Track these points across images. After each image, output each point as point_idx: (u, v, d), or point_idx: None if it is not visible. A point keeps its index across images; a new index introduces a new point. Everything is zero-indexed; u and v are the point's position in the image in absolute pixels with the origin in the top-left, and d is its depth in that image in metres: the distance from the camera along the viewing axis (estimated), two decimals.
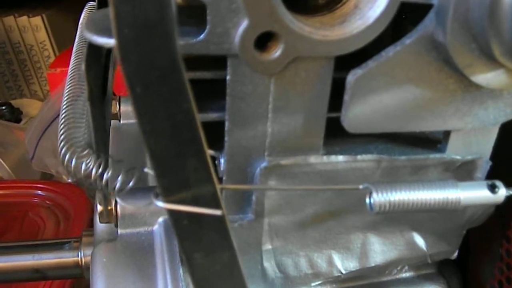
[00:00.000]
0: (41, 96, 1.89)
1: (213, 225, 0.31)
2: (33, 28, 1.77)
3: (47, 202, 1.17)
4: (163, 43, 0.24)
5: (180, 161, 0.28)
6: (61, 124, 0.38)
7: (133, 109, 0.26)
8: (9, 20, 1.76)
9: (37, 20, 1.76)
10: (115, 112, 0.69)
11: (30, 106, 1.75)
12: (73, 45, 0.50)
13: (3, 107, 1.65)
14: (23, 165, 1.31)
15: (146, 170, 0.33)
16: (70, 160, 0.34)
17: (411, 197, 0.35)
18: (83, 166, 0.34)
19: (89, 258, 0.53)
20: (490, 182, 0.38)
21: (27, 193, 1.19)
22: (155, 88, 0.25)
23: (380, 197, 0.35)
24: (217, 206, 0.30)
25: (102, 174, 0.34)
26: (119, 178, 0.35)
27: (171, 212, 0.30)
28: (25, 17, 1.76)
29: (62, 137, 0.36)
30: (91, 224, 0.60)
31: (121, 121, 0.69)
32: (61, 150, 0.35)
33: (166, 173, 0.28)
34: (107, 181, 0.35)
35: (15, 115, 1.66)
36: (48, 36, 1.79)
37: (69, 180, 1.24)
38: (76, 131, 0.37)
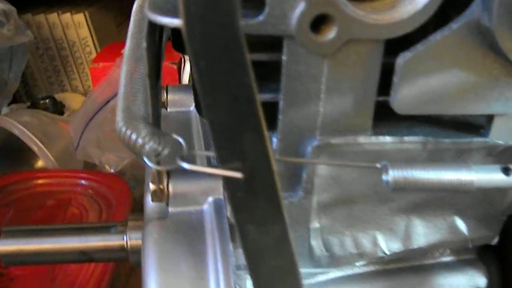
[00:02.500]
0: (83, 91, 1.92)
1: (267, 199, 0.32)
2: (76, 25, 1.81)
3: (90, 191, 1.20)
4: (227, 20, 0.26)
5: (238, 133, 0.29)
6: (120, 99, 0.40)
7: (197, 83, 0.28)
8: (53, 17, 1.80)
9: (79, 17, 1.80)
10: (163, 100, 0.71)
11: (72, 100, 1.78)
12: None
13: (47, 100, 1.68)
14: (66, 156, 1.34)
15: (174, 136, 0.34)
16: (126, 133, 0.36)
17: (427, 176, 0.36)
18: (140, 140, 0.35)
19: (134, 241, 0.54)
20: (504, 165, 0.38)
21: (70, 182, 1.23)
22: (218, 63, 0.27)
23: (396, 174, 0.36)
24: (271, 178, 0.31)
25: (156, 148, 0.35)
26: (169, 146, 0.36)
27: (228, 184, 0.31)
28: (68, 14, 1.79)
29: (121, 111, 0.38)
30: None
31: (168, 109, 0.71)
32: (120, 124, 0.37)
33: (225, 143, 0.29)
34: (159, 155, 0.36)
35: (58, 108, 1.70)
36: (90, 33, 1.82)
37: (112, 170, 1.27)
38: (133, 106, 0.39)
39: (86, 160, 1.32)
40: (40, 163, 1.40)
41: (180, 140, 0.35)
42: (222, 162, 0.30)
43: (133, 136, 0.36)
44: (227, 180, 0.31)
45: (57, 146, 1.34)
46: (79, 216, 1.13)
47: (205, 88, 0.28)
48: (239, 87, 0.28)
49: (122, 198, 1.14)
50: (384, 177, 0.37)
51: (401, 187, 0.36)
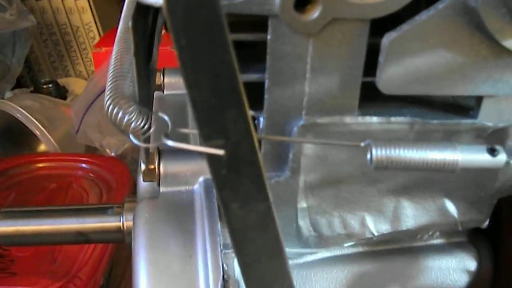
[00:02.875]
0: (86, 76, 1.92)
1: (250, 176, 0.32)
2: (80, 10, 1.80)
3: (91, 174, 1.20)
4: None
5: (220, 111, 0.29)
6: (109, 79, 0.40)
7: (178, 61, 0.28)
8: (56, 2, 1.80)
9: (83, 2, 1.79)
10: (159, 83, 0.72)
11: (76, 85, 1.78)
12: (117, 27, 0.52)
13: (50, 85, 1.68)
14: (68, 140, 1.34)
15: (160, 114, 0.35)
16: (113, 109, 0.36)
17: (410, 156, 0.35)
18: (126, 117, 0.35)
19: (130, 223, 0.55)
20: (490, 146, 0.37)
21: (71, 166, 1.23)
22: (198, 40, 0.27)
23: (379, 153, 0.35)
24: (254, 155, 0.31)
25: (143, 126, 0.36)
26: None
27: (211, 162, 0.31)
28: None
29: (109, 89, 0.38)
30: None
31: (165, 92, 0.71)
32: (107, 100, 0.37)
33: (207, 121, 0.30)
34: (148, 133, 0.36)
35: (61, 93, 1.70)
36: (94, 18, 1.82)
37: (112, 154, 1.27)
38: (121, 85, 0.39)
39: (87, 144, 1.32)
40: (42, 147, 1.40)
41: (166, 118, 0.35)
42: (205, 140, 0.30)
43: (119, 114, 0.36)
44: (210, 158, 0.31)
45: (59, 130, 1.35)
46: (79, 199, 1.14)
47: (187, 66, 0.28)
48: (220, 64, 0.28)
49: (122, 182, 1.14)
50: (368, 155, 0.36)
51: (383, 166, 0.36)
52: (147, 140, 0.38)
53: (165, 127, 0.36)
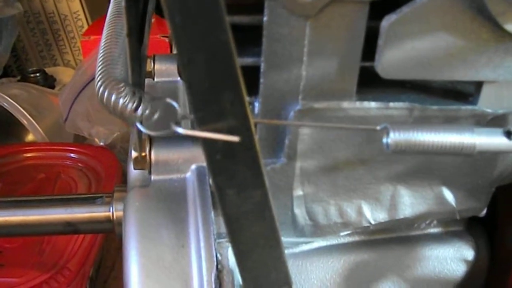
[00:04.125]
0: (74, 65, 1.90)
1: (246, 162, 0.31)
2: None
3: (79, 164, 1.20)
4: None
5: (216, 93, 0.28)
6: (100, 61, 0.39)
7: (173, 40, 0.27)
8: None
9: None
10: (150, 70, 0.70)
11: (64, 74, 1.77)
12: (105, 15, 0.51)
13: (37, 74, 1.67)
14: (56, 129, 1.33)
15: (168, 100, 0.33)
16: (104, 92, 0.35)
17: (427, 139, 0.35)
18: (120, 100, 0.34)
19: (120, 213, 0.54)
20: (506, 128, 0.37)
21: (60, 156, 1.22)
22: (194, 19, 0.26)
23: (397, 136, 0.35)
24: (250, 139, 0.30)
25: (137, 109, 0.34)
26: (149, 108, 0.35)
27: (206, 146, 0.30)
28: None
29: (100, 72, 0.37)
30: None
31: (155, 79, 0.70)
32: (98, 83, 0.36)
33: (202, 104, 0.29)
34: (141, 115, 0.35)
35: (49, 82, 1.68)
36: (82, 6, 1.80)
37: (101, 143, 1.26)
38: (113, 68, 0.38)
39: (75, 133, 1.31)
40: (29, 137, 1.39)
41: (175, 104, 0.34)
42: (201, 124, 0.29)
43: (113, 97, 0.35)
44: (205, 143, 0.30)
45: (47, 119, 1.34)
46: (68, 189, 1.13)
47: (181, 45, 0.27)
48: (216, 44, 0.27)
49: (111, 171, 1.14)
50: (384, 139, 0.35)
51: (401, 149, 0.35)
52: (146, 126, 0.37)
53: (172, 114, 0.35)
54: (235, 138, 0.29)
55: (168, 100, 0.34)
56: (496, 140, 0.36)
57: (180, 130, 0.30)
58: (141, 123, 0.34)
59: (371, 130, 0.36)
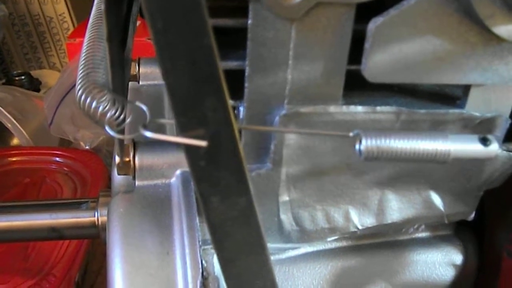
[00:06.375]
0: (60, 68, 1.90)
1: (230, 168, 0.31)
2: (53, 0, 1.78)
3: (65, 168, 1.19)
4: None
5: (198, 98, 0.28)
6: (81, 67, 0.38)
7: (154, 45, 0.26)
8: None
9: None
10: (135, 73, 0.70)
11: (49, 77, 1.76)
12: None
13: (22, 77, 1.66)
14: (41, 133, 1.33)
15: (137, 103, 0.33)
16: (86, 99, 0.34)
17: (400, 146, 0.34)
18: (100, 107, 0.34)
19: (105, 218, 0.53)
20: (482, 135, 0.36)
21: (45, 160, 1.21)
22: (175, 23, 0.25)
23: (369, 143, 0.34)
24: (234, 146, 0.30)
25: (118, 116, 0.34)
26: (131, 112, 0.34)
27: (189, 153, 0.30)
28: None
29: (80, 78, 0.37)
30: None
31: (140, 83, 0.69)
32: (78, 89, 0.35)
33: (184, 110, 0.28)
34: (121, 122, 0.35)
35: (34, 85, 1.68)
36: (68, 8, 1.80)
37: (87, 147, 1.25)
38: (94, 74, 0.37)
39: (61, 137, 1.30)
40: (14, 141, 1.38)
41: (144, 107, 0.33)
42: (182, 130, 0.29)
43: (93, 104, 0.34)
44: (188, 149, 0.30)
45: (32, 123, 1.33)
46: (53, 193, 1.12)
47: (163, 50, 0.26)
48: (199, 49, 0.26)
49: (97, 175, 1.13)
50: (356, 146, 0.35)
51: (374, 157, 0.34)
52: (122, 131, 0.36)
53: (143, 118, 0.34)
54: (202, 143, 0.29)
55: (137, 103, 0.33)
56: (472, 146, 0.36)
57: (148, 133, 0.30)
58: (110, 126, 0.34)
59: (343, 136, 0.35)
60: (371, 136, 0.34)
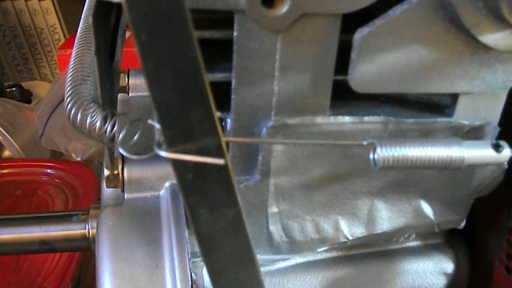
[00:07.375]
0: (51, 79, 1.89)
1: (218, 181, 0.31)
2: (44, 11, 1.78)
3: (56, 180, 1.18)
4: None
5: (184, 111, 0.28)
6: (69, 81, 0.38)
7: (139, 57, 0.26)
8: (20, 3, 1.77)
9: (47, 3, 1.77)
10: (124, 85, 0.69)
11: (40, 88, 1.76)
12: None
13: (13, 88, 1.65)
14: (33, 145, 1.32)
15: (150, 121, 0.32)
16: (76, 113, 0.34)
17: (415, 153, 0.35)
18: (88, 119, 0.34)
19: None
20: (495, 141, 0.37)
21: (36, 172, 1.21)
22: (160, 35, 0.25)
23: (384, 152, 0.34)
24: (221, 158, 0.29)
25: (107, 128, 0.34)
26: (124, 128, 0.34)
27: (176, 166, 0.30)
28: (35, 0, 1.76)
29: (69, 92, 0.36)
30: None
31: (130, 94, 0.69)
32: (67, 104, 0.35)
33: (171, 123, 0.28)
34: (112, 135, 0.35)
35: (25, 96, 1.67)
36: (59, 19, 1.80)
37: (78, 159, 1.25)
38: (83, 87, 0.37)
39: (52, 149, 1.29)
40: (5, 153, 1.38)
41: (157, 125, 0.33)
42: (170, 144, 0.29)
43: (86, 118, 0.34)
44: (175, 162, 0.29)
45: (23, 135, 1.32)
46: (45, 206, 1.12)
47: (148, 63, 0.26)
48: (184, 61, 0.26)
49: (89, 187, 1.13)
50: (371, 155, 0.35)
51: (389, 166, 0.35)
52: (111, 144, 0.36)
53: (152, 136, 0.34)
54: (220, 161, 0.29)
55: (150, 121, 0.33)
56: (485, 152, 0.36)
57: (163, 153, 0.29)
58: (117, 146, 0.34)
59: (357, 145, 0.35)
60: (386, 145, 0.35)
